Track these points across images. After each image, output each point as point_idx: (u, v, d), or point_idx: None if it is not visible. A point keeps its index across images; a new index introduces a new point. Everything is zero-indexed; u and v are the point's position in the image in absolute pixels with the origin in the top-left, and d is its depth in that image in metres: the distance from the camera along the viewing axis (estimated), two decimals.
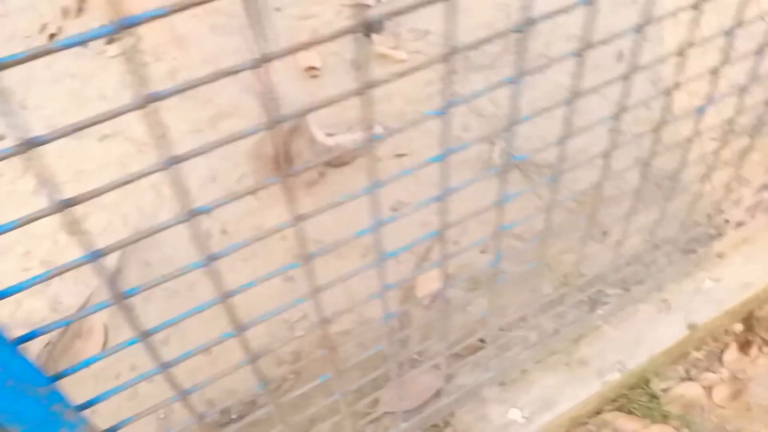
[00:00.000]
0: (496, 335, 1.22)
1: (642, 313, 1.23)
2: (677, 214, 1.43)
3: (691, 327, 1.21)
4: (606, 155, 0.84)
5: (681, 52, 0.75)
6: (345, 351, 1.29)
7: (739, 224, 1.31)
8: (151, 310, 1.37)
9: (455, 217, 0.73)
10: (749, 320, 1.32)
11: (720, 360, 1.28)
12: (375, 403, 1.17)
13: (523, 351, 1.17)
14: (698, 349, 1.30)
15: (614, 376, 1.16)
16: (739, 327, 1.32)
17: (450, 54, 0.56)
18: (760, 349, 1.28)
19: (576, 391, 1.15)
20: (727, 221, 1.34)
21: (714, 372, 1.26)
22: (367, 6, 2.21)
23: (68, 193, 0.39)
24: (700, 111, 0.88)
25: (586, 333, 1.22)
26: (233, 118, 1.85)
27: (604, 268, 1.30)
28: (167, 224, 0.50)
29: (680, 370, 1.27)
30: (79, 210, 0.41)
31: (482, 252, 1.43)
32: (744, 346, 1.29)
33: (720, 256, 1.30)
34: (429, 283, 1.37)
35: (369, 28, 2.14)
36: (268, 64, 0.45)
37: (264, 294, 1.36)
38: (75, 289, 1.43)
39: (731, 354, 1.28)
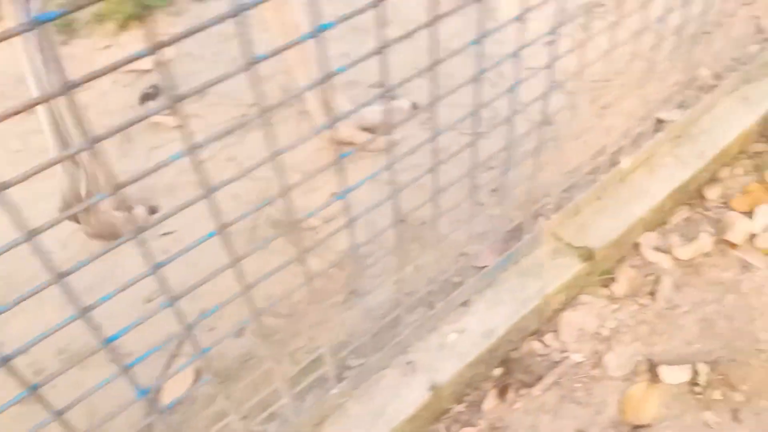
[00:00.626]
0: None
1: (386, 380, 1.19)
2: (428, 265, 1.40)
3: (433, 388, 1.17)
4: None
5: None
6: None
7: (482, 267, 1.29)
8: None
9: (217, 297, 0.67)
10: (507, 363, 1.29)
11: (480, 410, 1.24)
12: None
13: None
14: (459, 401, 1.26)
15: None
16: (498, 371, 1.29)
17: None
18: (516, 392, 1.26)
19: None
20: (471, 266, 1.31)
21: (473, 425, 1.23)
22: (146, 71, 2.11)
23: None
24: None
25: (330, 413, 1.16)
26: None
27: (350, 335, 1.25)
28: None
29: (441, 428, 1.23)
30: None
31: (238, 336, 1.35)
32: (502, 392, 1.26)
33: (465, 304, 1.27)
34: (178, 384, 1.28)
35: (144, 96, 2.04)
36: None
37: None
38: None
39: (490, 402, 1.25)
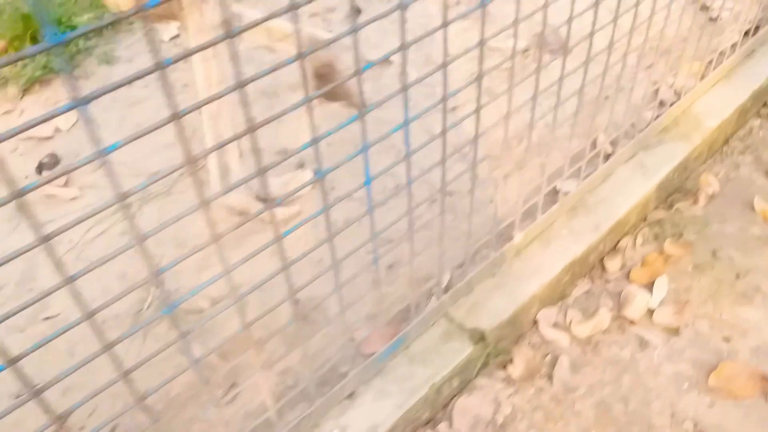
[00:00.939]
0: None
1: None
2: (314, 353, 1.33)
3: None
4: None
5: None
6: None
7: (370, 354, 1.22)
8: None
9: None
10: None
11: None
12: None
13: None
14: None
15: None
16: None
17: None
18: None
19: None
20: (359, 353, 1.24)
21: None
22: (46, 138, 2.02)
23: None
24: None
25: None
26: None
27: None
28: None
29: None
30: None
31: None
32: None
33: (350, 396, 1.20)
34: None
35: (41, 165, 1.95)
36: None
37: None
38: None
39: None
